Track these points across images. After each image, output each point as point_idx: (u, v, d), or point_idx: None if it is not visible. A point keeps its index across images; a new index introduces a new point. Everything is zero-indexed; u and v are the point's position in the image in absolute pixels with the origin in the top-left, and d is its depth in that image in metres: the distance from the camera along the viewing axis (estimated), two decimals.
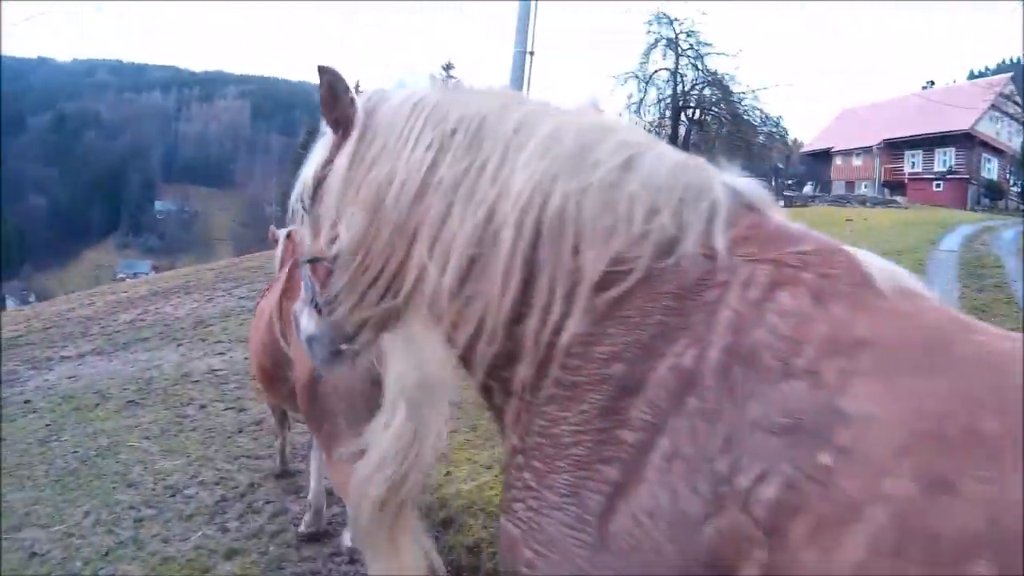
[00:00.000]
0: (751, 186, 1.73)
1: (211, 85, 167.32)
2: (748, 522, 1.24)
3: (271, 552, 5.04)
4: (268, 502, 5.87)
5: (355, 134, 1.89)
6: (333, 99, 1.90)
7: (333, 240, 1.89)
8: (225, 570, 4.84)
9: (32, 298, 73.46)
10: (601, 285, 1.54)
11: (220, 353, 11.49)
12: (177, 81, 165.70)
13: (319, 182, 1.98)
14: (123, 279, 59.50)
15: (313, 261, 2.05)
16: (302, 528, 5.15)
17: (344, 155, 1.89)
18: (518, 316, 1.62)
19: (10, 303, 69.02)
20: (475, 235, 1.66)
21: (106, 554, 5.17)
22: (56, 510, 5.98)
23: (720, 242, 1.54)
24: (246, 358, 9.63)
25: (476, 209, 1.67)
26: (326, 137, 2.01)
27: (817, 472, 1.21)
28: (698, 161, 1.77)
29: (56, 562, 5.14)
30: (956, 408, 1.21)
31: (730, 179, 1.73)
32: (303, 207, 2.07)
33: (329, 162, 1.95)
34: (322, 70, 1.88)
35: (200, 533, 5.37)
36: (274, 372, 4.70)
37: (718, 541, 1.27)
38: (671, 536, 1.31)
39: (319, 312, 2.05)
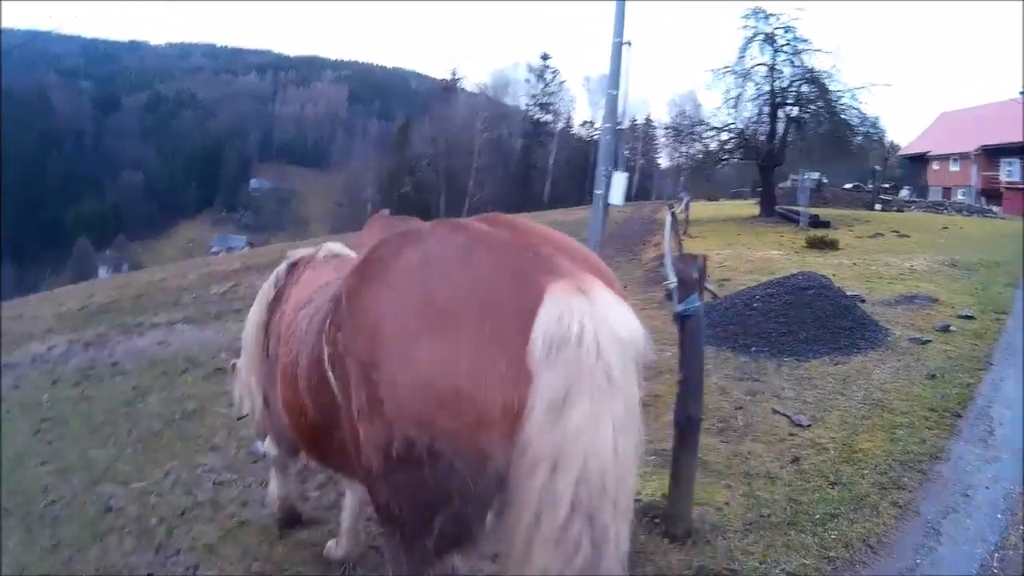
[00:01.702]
0: (329, 246, 4.07)
1: (307, 69, 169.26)
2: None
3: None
4: None
5: None
6: None
7: None
8: (301, 537, 4.80)
9: (125, 268, 75.55)
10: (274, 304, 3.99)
11: None
12: (273, 65, 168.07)
13: None
14: (217, 253, 60.70)
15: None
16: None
17: None
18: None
19: (103, 272, 71.33)
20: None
21: (182, 514, 5.22)
22: (136, 468, 6.09)
23: (283, 272, 4.26)
24: None
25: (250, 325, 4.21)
26: None
27: (286, 321, 3.40)
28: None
29: (131, 518, 5.22)
30: (310, 289, 3.40)
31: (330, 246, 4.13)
32: None
33: None
34: None
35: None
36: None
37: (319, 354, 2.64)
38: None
39: None
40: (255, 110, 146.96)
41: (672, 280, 4.24)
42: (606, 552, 1.87)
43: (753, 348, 7.90)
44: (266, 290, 4.20)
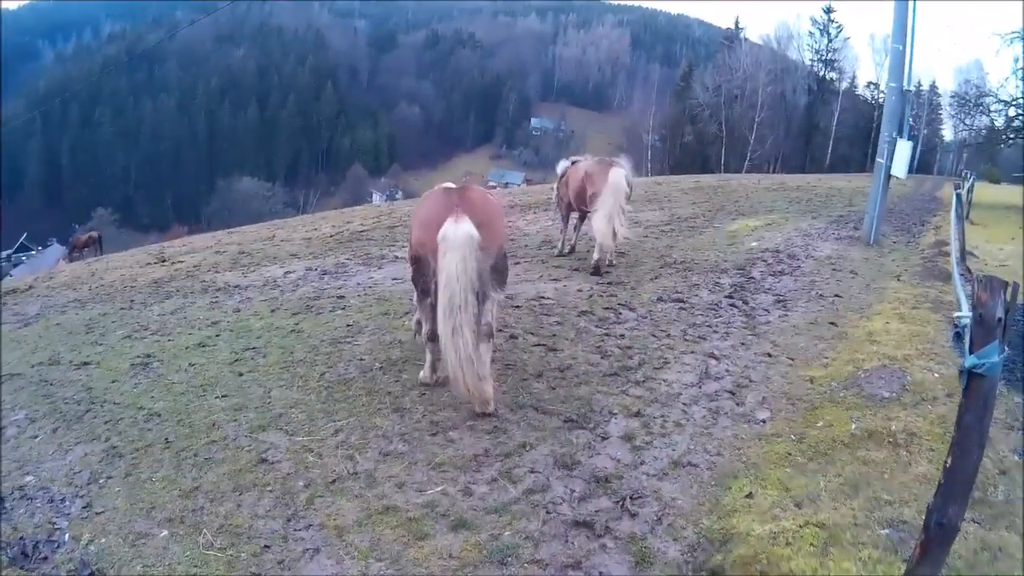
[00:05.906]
0: (443, 185, 6.85)
1: (588, 12, 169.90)
2: None
3: (503, 540, 4.21)
4: (532, 471, 4.98)
5: None
6: None
7: None
8: (443, 543, 4.15)
9: (399, 196, 79.58)
10: None
11: (555, 280, 10.71)
12: (554, 7, 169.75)
13: None
14: (494, 187, 61.72)
15: None
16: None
17: None
18: None
19: (377, 199, 75.44)
20: None
21: (332, 482, 4.81)
22: (309, 419, 5.79)
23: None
24: (579, 290, 9.92)
25: None
26: None
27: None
28: None
29: (280, 475, 4.91)
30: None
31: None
32: None
33: None
34: None
35: (440, 489, 4.72)
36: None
37: None
38: None
39: None
40: (535, 51, 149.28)
41: (963, 314, 2.80)
42: (455, 293, 5.32)
43: None
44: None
